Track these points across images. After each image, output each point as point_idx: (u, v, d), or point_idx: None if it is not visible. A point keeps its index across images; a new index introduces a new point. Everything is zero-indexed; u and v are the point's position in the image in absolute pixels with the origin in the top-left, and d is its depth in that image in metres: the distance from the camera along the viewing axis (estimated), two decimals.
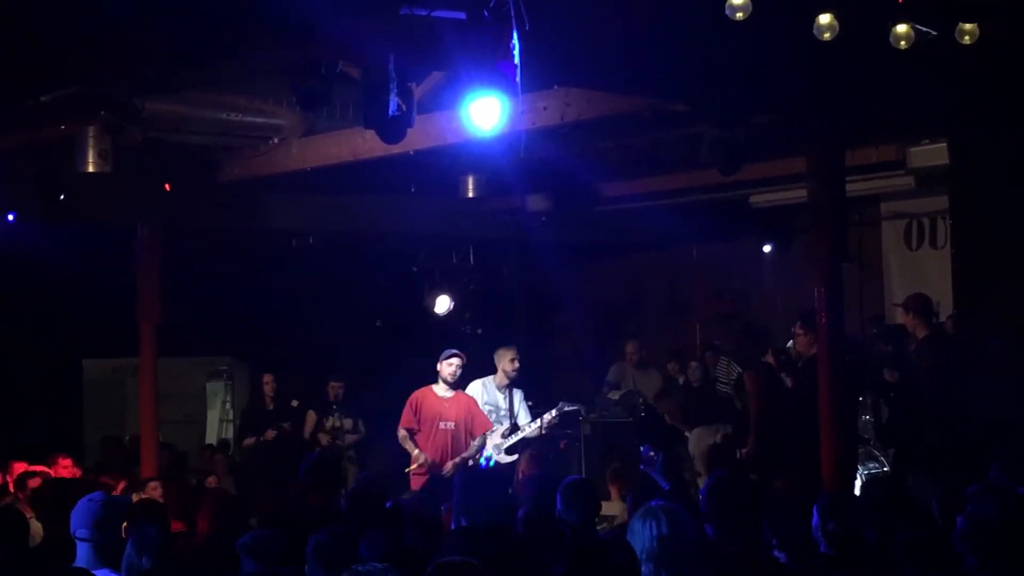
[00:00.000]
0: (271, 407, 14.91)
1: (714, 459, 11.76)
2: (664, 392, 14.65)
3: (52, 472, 11.13)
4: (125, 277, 12.98)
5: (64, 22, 7.28)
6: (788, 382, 11.97)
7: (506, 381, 12.44)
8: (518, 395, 12.53)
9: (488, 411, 12.25)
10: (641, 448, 8.92)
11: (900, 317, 11.91)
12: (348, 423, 15.11)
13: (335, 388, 15.23)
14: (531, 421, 12.41)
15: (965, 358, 11.42)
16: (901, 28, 8.16)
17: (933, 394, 11.23)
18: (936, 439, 10.26)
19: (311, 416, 15.12)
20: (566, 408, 12.66)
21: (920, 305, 11.59)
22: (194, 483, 12.89)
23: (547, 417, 12.40)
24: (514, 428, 12.37)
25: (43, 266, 13.01)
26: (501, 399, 12.40)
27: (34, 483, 9.88)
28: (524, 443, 12.27)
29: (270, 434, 14.59)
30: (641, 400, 14.61)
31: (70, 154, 10.61)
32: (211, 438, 17.03)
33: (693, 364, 14.95)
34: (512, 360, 12.39)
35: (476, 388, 12.42)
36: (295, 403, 15.04)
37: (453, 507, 5.98)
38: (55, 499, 7.46)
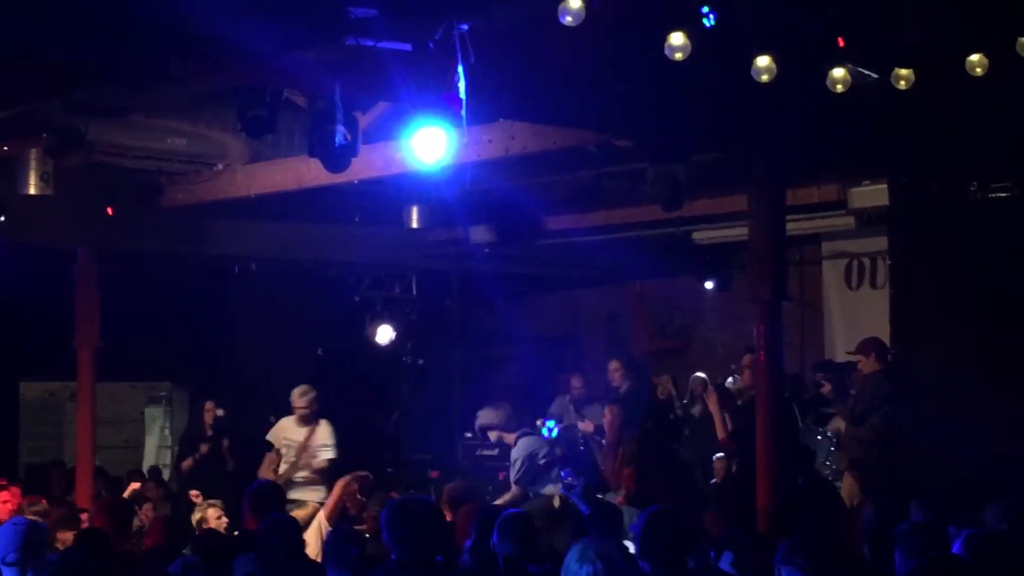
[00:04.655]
0: (210, 434, 14.58)
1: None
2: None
3: None
4: (65, 299, 12.88)
5: (3, 43, 7.24)
6: (727, 421, 12.05)
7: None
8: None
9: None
10: (561, 472, 8.93)
11: (861, 364, 12.01)
12: None
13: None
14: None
15: (902, 395, 11.57)
16: (838, 72, 8.27)
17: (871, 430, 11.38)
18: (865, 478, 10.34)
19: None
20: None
21: (878, 347, 11.77)
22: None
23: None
24: None
25: None
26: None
27: None
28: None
29: (204, 448, 14.24)
30: (581, 435, 14.58)
31: (11, 176, 10.55)
32: (149, 464, 16.86)
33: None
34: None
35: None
36: (226, 443, 14.45)
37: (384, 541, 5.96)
38: None
